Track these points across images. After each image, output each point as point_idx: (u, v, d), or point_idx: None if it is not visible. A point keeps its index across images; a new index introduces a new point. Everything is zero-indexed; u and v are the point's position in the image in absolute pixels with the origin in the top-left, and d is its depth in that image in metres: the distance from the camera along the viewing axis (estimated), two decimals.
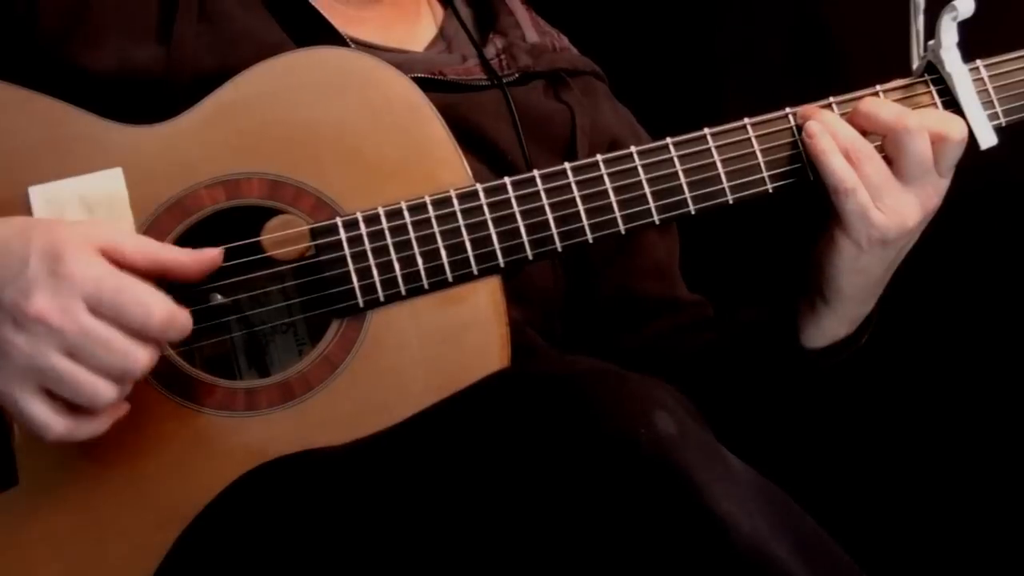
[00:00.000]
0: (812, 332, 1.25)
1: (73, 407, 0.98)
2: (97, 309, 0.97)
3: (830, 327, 1.24)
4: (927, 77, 1.22)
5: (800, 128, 1.18)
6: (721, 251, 1.76)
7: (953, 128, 1.15)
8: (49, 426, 0.98)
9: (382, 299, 1.12)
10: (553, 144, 1.33)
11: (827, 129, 1.16)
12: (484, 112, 1.29)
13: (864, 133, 1.16)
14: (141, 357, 0.98)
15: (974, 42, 1.21)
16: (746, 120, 1.18)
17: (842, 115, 1.18)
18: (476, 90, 1.31)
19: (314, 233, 1.11)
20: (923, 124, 1.14)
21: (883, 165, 1.15)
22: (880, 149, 1.16)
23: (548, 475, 0.92)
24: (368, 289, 1.11)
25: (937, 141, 1.14)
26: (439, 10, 1.43)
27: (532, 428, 0.94)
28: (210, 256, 1.06)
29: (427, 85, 1.20)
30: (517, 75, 1.34)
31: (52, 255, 0.97)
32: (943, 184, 1.17)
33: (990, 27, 1.21)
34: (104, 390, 0.98)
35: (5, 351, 0.96)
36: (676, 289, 1.42)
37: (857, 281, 1.20)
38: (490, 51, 1.36)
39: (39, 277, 0.96)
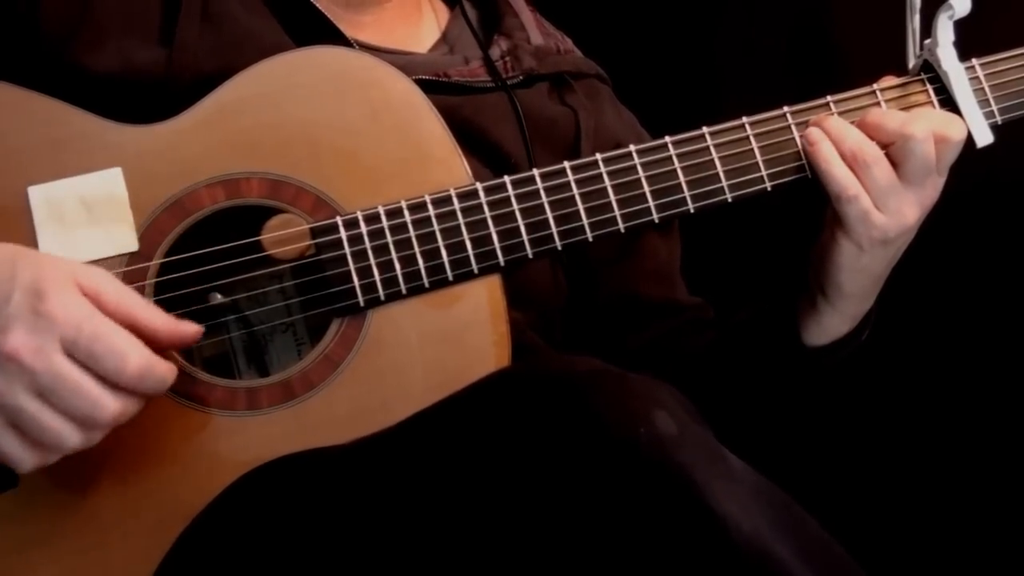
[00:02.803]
0: (813, 330, 1.26)
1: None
2: (72, 353, 0.96)
3: (831, 325, 1.25)
4: (923, 76, 1.22)
5: (798, 128, 1.18)
6: (721, 253, 1.76)
7: (953, 129, 1.16)
8: (22, 460, 0.98)
9: (383, 298, 1.12)
10: (557, 147, 1.33)
11: (832, 135, 1.16)
12: (488, 114, 1.29)
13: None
14: (109, 405, 0.96)
15: (970, 41, 1.21)
16: (744, 119, 1.19)
17: (840, 113, 1.19)
18: (480, 92, 1.31)
19: (314, 232, 1.11)
20: (928, 129, 1.15)
21: (889, 168, 1.15)
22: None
23: (548, 475, 0.92)
24: (368, 288, 1.11)
25: (938, 142, 1.15)
26: (443, 12, 1.43)
27: (532, 427, 0.94)
28: (187, 331, 1.03)
29: (431, 87, 1.20)
30: (521, 77, 1.34)
31: (36, 292, 0.96)
32: (941, 182, 1.18)
33: (986, 26, 1.22)
34: (68, 435, 0.97)
35: None
36: (677, 292, 1.43)
37: (858, 279, 1.21)
38: (494, 53, 1.35)
39: (20, 313, 0.95)
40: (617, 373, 0.96)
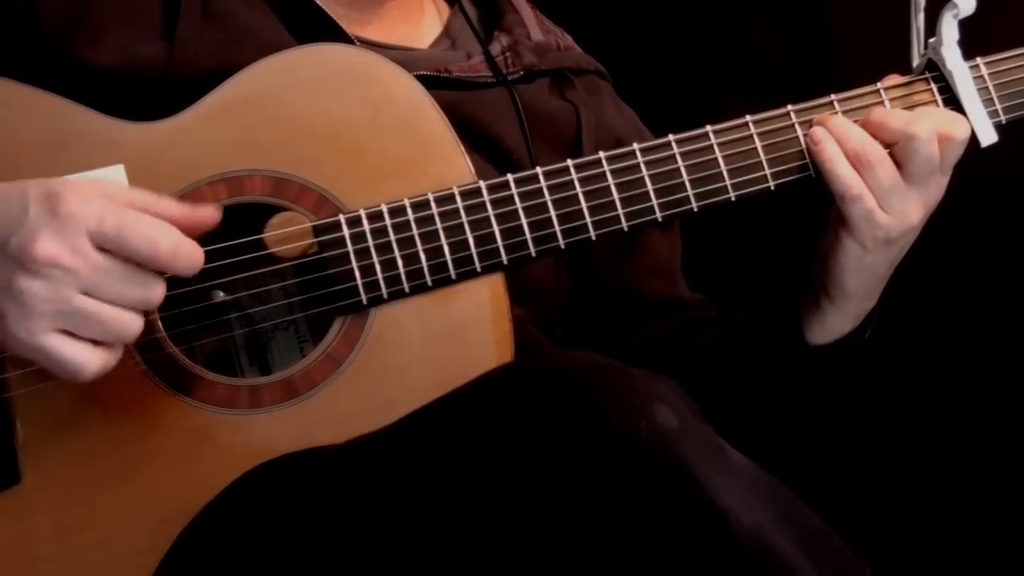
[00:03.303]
0: (816, 328, 1.25)
1: (95, 342, 0.98)
2: (103, 245, 0.96)
3: (834, 323, 1.25)
4: (928, 75, 1.22)
5: (802, 126, 1.18)
6: (723, 250, 1.76)
7: (957, 128, 1.16)
8: (87, 363, 0.97)
9: (385, 296, 1.12)
10: (558, 143, 1.33)
11: (836, 134, 1.16)
12: (489, 110, 1.29)
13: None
14: (155, 284, 0.98)
15: (975, 40, 1.21)
16: (748, 118, 1.18)
17: (844, 112, 1.19)
18: (481, 88, 1.31)
19: (317, 230, 1.11)
20: (932, 128, 1.14)
21: (892, 168, 1.15)
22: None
23: (549, 469, 0.91)
24: (371, 286, 1.11)
25: (942, 141, 1.15)
26: (444, 8, 1.43)
27: (533, 422, 0.94)
28: (204, 214, 1.04)
29: (432, 83, 1.20)
30: (522, 73, 1.34)
31: (50, 197, 0.96)
32: (944, 181, 1.18)
33: (991, 25, 1.22)
34: (131, 322, 0.98)
35: (24, 301, 0.95)
36: (678, 288, 1.42)
37: (862, 278, 1.21)
38: (495, 49, 1.35)
39: (41, 220, 0.95)
40: (618, 367, 0.96)
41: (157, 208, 1.01)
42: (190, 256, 1.00)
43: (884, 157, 1.15)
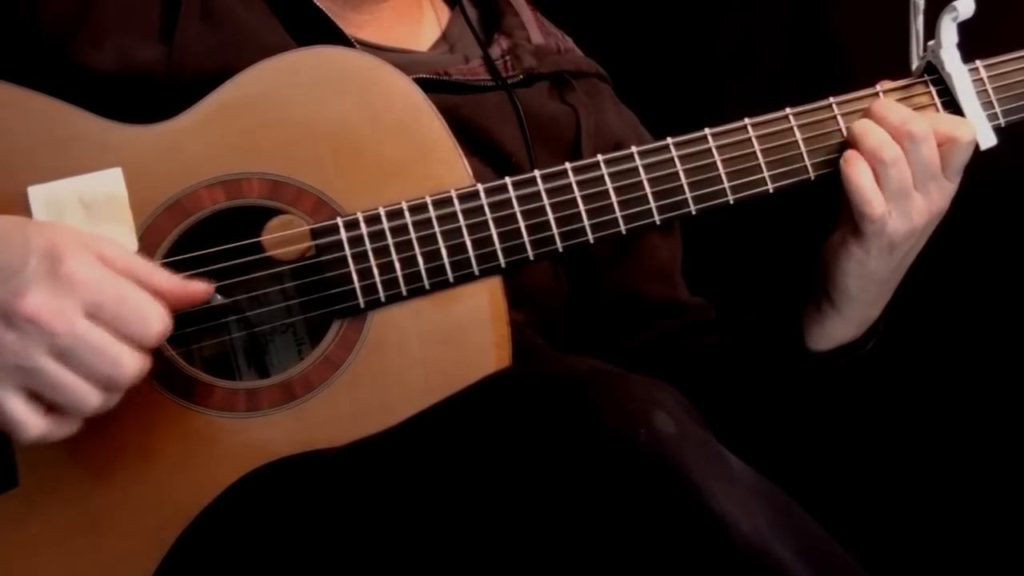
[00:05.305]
0: (817, 334, 1.25)
1: (51, 409, 0.97)
2: (97, 315, 0.96)
3: (835, 330, 1.24)
4: (927, 77, 1.22)
5: (800, 129, 1.18)
6: (724, 255, 1.76)
7: (962, 130, 1.16)
8: (27, 426, 0.96)
9: (383, 299, 1.11)
10: (558, 146, 1.33)
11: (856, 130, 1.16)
12: (488, 113, 1.29)
13: None
14: (130, 364, 0.97)
15: (974, 43, 1.21)
16: (747, 120, 1.18)
17: (843, 115, 1.18)
18: (480, 91, 1.31)
19: (315, 233, 1.11)
20: (929, 129, 1.14)
21: (906, 171, 1.14)
22: None
23: (548, 476, 0.91)
24: (369, 289, 1.11)
25: (946, 143, 1.15)
26: (443, 11, 1.42)
27: (532, 428, 0.94)
28: (196, 290, 1.03)
29: (431, 85, 1.20)
30: (521, 76, 1.34)
31: (52, 256, 0.96)
32: (949, 188, 1.17)
33: (990, 28, 1.22)
34: (90, 397, 0.96)
35: None
36: (678, 292, 1.42)
37: (864, 284, 1.20)
38: (495, 52, 1.35)
39: (38, 276, 0.95)
40: (617, 373, 0.96)
41: (151, 280, 1.00)
42: (167, 334, 1.00)
43: (899, 158, 1.14)
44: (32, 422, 0.96)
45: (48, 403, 0.96)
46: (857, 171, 1.15)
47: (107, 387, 0.97)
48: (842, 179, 1.16)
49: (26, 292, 0.94)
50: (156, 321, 0.98)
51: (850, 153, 1.17)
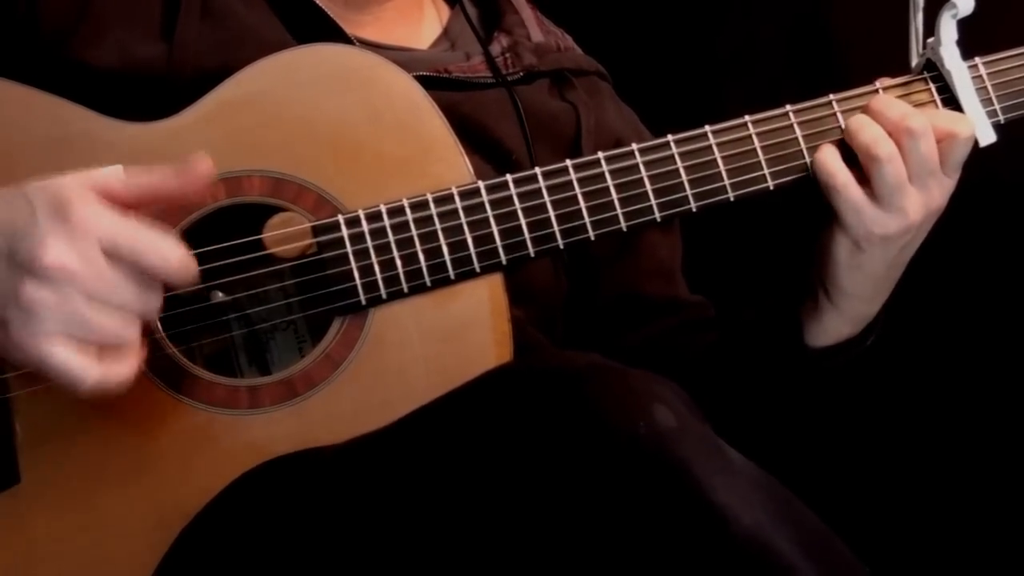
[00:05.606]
0: (815, 330, 1.25)
1: (100, 354, 0.97)
2: (115, 254, 0.96)
3: (834, 326, 1.24)
4: (926, 74, 1.22)
5: (800, 126, 1.18)
6: (723, 252, 1.76)
7: (960, 126, 1.16)
8: (85, 373, 0.96)
9: (384, 296, 1.12)
10: (558, 144, 1.33)
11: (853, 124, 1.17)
12: (489, 110, 1.29)
13: None
14: (156, 297, 0.98)
15: (973, 40, 1.21)
16: (747, 118, 1.18)
17: (843, 112, 1.19)
18: (481, 88, 1.31)
19: (316, 231, 1.11)
20: (928, 125, 1.14)
21: (901, 166, 1.14)
22: None
23: (548, 470, 0.91)
24: (370, 287, 1.11)
25: (945, 139, 1.15)
26: (444, 9, 1.43)
27: (532, 423, 0.94)
28: (201, 169, 1.01)
29: (431, 83, 1.20)
30: (522, 74, 1.34)
31: (59, 206, 0.95)
32: (948, 184, 1.17)
33: (989, 25, 1.22)
34: (130, 328, 0.97)
35: (31, 309, 0.94)
36: (678, 289, 1.42)
37: (857, 277, 1.20)
38: (495, 49, 1.36)
39: (50, 228, 0.94)
40: (616, 368, 0.96)
41: (156, 190, 1.01)
42: (193, 267, 1.00)
43: (894, 154, 1.14)
44: (89, 368, 0.96)
45: (95, 346, 0.96)
46: (821, 151, 1.17)
47: (144, 317, 0.98)
48: (813, 168, 1.17)
49: (45, 246, 0.94)
50: (172, 255, 0.97)
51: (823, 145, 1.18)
